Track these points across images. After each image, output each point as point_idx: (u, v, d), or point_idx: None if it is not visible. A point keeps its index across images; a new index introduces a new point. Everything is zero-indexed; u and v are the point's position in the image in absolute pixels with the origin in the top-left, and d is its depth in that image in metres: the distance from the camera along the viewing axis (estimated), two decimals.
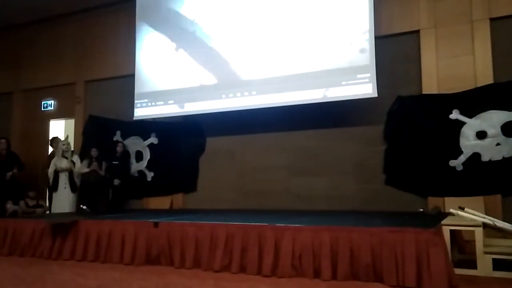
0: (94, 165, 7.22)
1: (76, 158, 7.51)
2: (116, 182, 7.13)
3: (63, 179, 7.27)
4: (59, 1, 8.17)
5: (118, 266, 4.48)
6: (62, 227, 5.00)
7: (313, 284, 3.59)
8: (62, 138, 7.69)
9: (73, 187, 7.30)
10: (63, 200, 7.23)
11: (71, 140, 8.01)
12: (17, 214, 6.96)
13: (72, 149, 7.60)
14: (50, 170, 7.36)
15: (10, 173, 7.36)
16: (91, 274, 4.09)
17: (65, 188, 7.26)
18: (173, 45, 7.27)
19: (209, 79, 6.87)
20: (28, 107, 9.20)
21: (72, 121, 8.66)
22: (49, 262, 4.81)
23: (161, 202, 7.46)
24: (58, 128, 8.94)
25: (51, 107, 8.94)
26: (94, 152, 7.29)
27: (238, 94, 6.59)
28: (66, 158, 7.31)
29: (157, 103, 7.32)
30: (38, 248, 5.11)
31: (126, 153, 7.60)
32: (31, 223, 5.33)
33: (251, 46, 6.56)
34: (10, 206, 7.07)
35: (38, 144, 8.84)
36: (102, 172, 7.25)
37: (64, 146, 7.33)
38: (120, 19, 8.16)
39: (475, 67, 5.59)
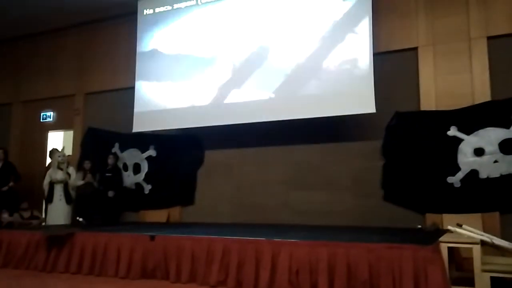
0: (89, 177, 7.20)
1: (71, 170, 7.50)
2: (111, 194, 7.09)
3: (58, 190, 7.25)
4: (59, 14, 8.22)
5: (113, 279, 4.44)
6: (58, 240, 4.96)
7: None
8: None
9: (68, 199, 7.27)
10: (58, 212, 7.19)
11: (69, 152, 8.01)
12: (13, 225, 6.90)
13: (68, 160, 7.57)
14: (45, 182, 7.34)
15: (6, 187, 7.35)
16: (86, 287, 4.06)
17: (60, 200, 7.24)
18: (172, 62, 7.26)
19: (208, 100, 6.84)
20: (27, 118, 9.20)
21: (70, 133, 8.66)
22: (44, 274, 4.77)
23: (158, 215, 7.40)
24: (57, 140, 8.93)
25: (50, 118, 8.95)
26: (87, 164, 7.29)
27: (238, 119, 6.57)
28: (62, 169, 7.29)
29: (157, 125, 7.29)
30: (33, 260, 5.07)
31: (117, 165, 7.57)
32: (26, 235, 5.29)
33: (249, 68, 6.58)
34: (5, 217, 7.02)
35: (36, 155, 8.82)
36: (96, 184, 7.23)
37: (59, 158, 7.31)
38: (121, 32, 8.22)
39: (473, 84, 5.63)
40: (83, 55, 8.65)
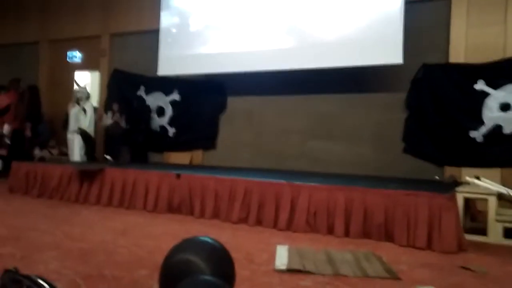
0: (116, 116, 7.41)
1: (89, 105, 7.42)
2: (140, 138, 7.36)
3: (73, 126, 7.22)
4: None
5: (141, 212, 4.74)
6: (89, 174, 5.25)
7: (326, 239, 3.76)
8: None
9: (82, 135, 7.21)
10: (73, 147, 7.17)
11: (96, 92, 8.16)
12: (45, 159, 7.25)
13: (87, 96, 7.53)
14: (65, 117, 7.51)
15: (29, 132, 7.57)
16: (117, 218, 4.35)
17: (74, 134, 7.21)
18: (198, 7, 7.18)
19: (233, 47, 6.79)
20: (55, 57, 9.35)
21: (97, 73, 8.81)
22: (77, 205, 5.10)
23: (181, 157, 7.66)
24: (84, 79, 9.09)
25: (77, 58, 9.08)
26: (115, 106, 7.46)
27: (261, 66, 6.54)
28: (79, 105, 7.32)
29: (181, 69, 7.33)
30: (66, 192, 5.41)
31: (145, 108, 7.75)
32: (58, 169, 5.60)
33: (274, 15, 6.48)
34: (37, 152, 7.37)
35: (63, 94, 9.03)
36: (124, 124, 7.46)
37: (79, 94, 7.37)
38: None
39: (506, 37, 5.45)
40: None
